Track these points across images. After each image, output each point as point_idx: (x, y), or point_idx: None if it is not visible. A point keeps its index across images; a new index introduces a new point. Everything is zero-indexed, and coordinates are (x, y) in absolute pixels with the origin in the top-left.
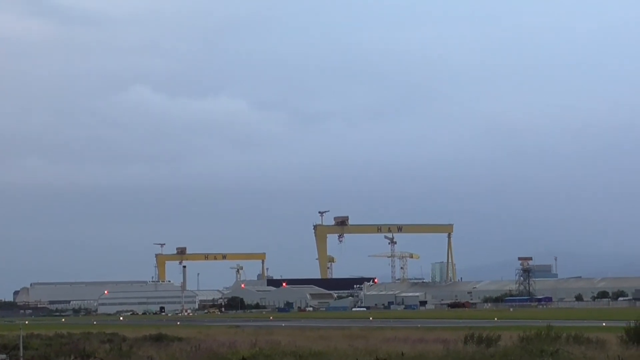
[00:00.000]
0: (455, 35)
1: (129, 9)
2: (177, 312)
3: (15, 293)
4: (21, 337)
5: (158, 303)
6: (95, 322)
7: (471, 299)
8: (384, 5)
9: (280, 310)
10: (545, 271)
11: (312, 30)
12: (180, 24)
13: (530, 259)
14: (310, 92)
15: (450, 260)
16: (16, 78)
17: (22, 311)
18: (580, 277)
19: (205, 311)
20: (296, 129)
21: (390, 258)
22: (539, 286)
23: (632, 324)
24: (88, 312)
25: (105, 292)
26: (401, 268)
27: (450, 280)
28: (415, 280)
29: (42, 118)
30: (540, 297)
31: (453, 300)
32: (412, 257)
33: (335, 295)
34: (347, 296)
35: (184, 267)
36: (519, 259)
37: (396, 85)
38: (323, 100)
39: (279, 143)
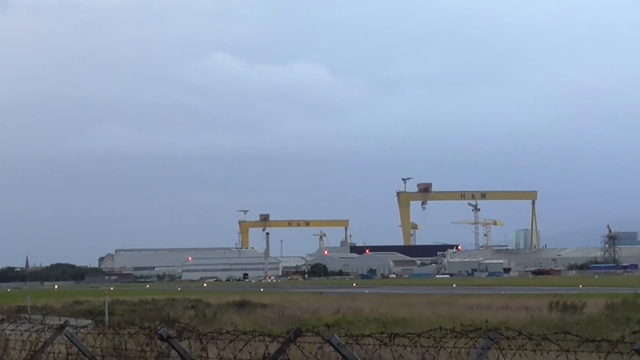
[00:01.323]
0: (537, 1)
1: None
2: (260, 278)
3: (100, 259)
4: (106, 303)
5: (241, 270)
6: (179, 289)
7: (555, 266)
8: None
9: (363, 277)
10: (631, 238)
11: None
12: None
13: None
14: (388, 58)
15: (534, 227)
16: (95, 45)
17: (107, 277)
18: None
19: (289, 278)
20: (375, 95)
21: (473, 225)
22: (625, 253)
23: None
24: (172, 278)
25: (189, 258)
26: (485, 235)
27: (535, 247)
28: (499, 247)
29: (122, 85)
30: (626, 264)
31: (537, 268)
32: (495, 224)
33: (418, 262)
34: (431, 263)
35: (267, 233)
36: (607, 226)
37: (476, 51)
38: (401, 66)
39: (358, 109)
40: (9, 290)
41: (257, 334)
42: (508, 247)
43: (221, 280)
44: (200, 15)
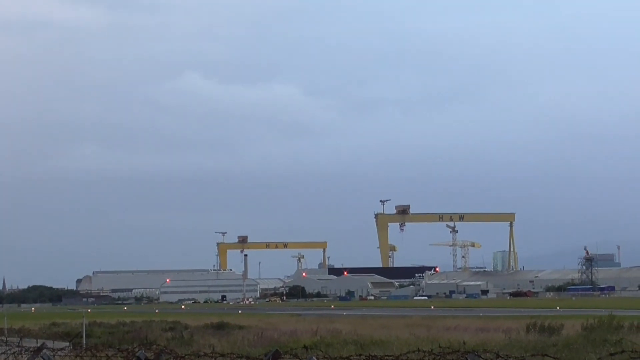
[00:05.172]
0: (512, 21)
1: None
2: (238, 300)
3: (78, 281)
4: (84, 325)
5: (220, 291)
6: (157, 311)
7: (533, 288)
8: None
9: (341, 299)
10: (608, 260)
11: (366, 15)
12: (232, 9)
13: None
14: (363, 79)
15: (512, 249)
16: (69, 65)
17: (84, 299)
18: None
19: (267, 300)
20: (350, 116)
21: (451, 247)
22: (602, 275)
23: None
24: (150, 300)
25: (167, 280)
26: (463, 257)
27: (512, 269)
28: (477, 269)
29: (96, 105)
30: (603, 286)
31: (515, 289)
32: (473, 245)
33: (396, 284)
34: (409, 285)
35: (246, 255)
36: (584, 248)
37: (451, 72)
38: (377, 87)
39: (333, 130)
40: None
41: (235, 356)
42: (486, 269)
43: (199, 302)
44: (172, 36)
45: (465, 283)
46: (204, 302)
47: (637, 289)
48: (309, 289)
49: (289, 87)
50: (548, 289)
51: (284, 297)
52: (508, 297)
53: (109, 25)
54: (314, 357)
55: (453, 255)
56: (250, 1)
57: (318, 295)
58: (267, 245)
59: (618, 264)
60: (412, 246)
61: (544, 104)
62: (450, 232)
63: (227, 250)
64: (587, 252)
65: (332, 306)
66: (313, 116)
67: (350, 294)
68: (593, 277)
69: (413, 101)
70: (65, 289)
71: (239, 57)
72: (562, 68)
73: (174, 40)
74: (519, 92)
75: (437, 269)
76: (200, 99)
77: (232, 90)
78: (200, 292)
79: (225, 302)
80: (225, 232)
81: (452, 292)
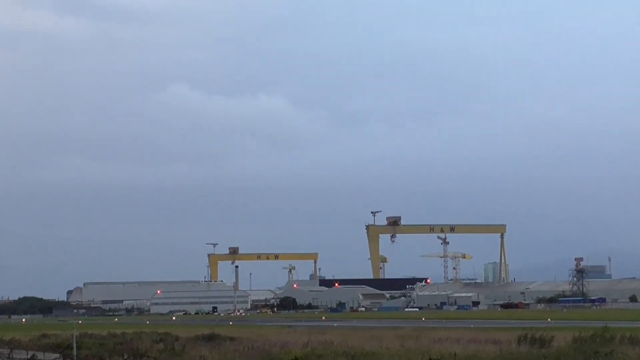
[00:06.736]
0: (499, 34)
1: (166, 5)
2: (229, 312)
3: (69, 293)
4: (74, 336)
5: (210, 303)
6: (148, 322)
7: (524, 300)
8: (426, 4)
9: (332, 310)
10: (599, 272)
11: (353, 28)
12: (219, 21)
13: (581, 259)
14: (350, 91)
15: (503, 261)
16: (54, 76)
17: (75, 311)
18: (634, 277)
19: (258, 311)
20: (337, 128)
21: (442, 258)
22: (593, 287)
23: None
24: (141, 311)
25: (158, 292)
26: (454, 268)
27: (503, 281)
28: (468, 281)
29: (82, 116)
30: (594, 297)
31: (506, 301)
32: (464, 257)
33: (387, 295)
34: (400, 296)
35: (237, 267)
36: (575, 259)
37: (438, 85)
38: (363, 100)
39: (321, 142)
40: None
41: None
42: (477, 281)
43: (190, 313)
44: (159, 47)
45: (456, 294)
46: (195, 313)
47: (628, 300)
48: (300, 300)
49: (277, 99)
50: (539, 301)
51: (275, 309)
52: (499, 309)
53: (95, 36)
54: None
55: (444, 266)
56: (238, 13)
57: (309, 306)
58: (258, 257)
59: (609, 276)
60: (403, 257)
61: (532, 117)
62: (441, 243)
63: (218, 262)
64: (579, 264)
65: (323, 317)
66: (300, 128)
67: (341, 305)
68: (584, 288)
69: (400, 114)
70: (56, 300)
71: (226, 69)
72: (550, 81)
73: (161, 52)
74: (507, 104)
75: (428, 281)
76: (187, 111)
77: (220, 101)
78: (191, 303)
79: (216, 313)
80: (216, 244)
81: (443, 303)
